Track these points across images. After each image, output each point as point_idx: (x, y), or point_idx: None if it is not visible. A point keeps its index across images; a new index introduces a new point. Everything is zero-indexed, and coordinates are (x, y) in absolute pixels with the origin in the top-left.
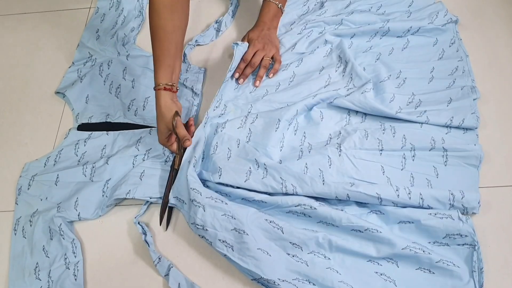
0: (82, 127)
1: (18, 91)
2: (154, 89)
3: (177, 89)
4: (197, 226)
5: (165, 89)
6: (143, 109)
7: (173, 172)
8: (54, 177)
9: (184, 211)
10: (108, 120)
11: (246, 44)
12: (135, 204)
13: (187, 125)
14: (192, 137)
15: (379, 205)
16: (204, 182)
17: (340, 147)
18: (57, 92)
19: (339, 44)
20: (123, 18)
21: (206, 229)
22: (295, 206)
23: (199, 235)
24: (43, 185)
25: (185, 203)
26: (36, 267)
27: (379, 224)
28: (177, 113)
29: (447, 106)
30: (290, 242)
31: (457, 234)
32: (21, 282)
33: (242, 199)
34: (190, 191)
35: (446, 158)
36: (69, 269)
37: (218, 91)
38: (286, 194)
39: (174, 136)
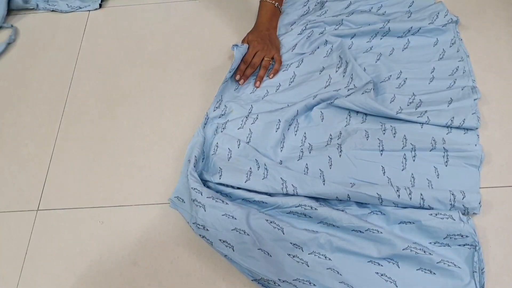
0: None
1: (18, 91)
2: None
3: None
4: (198, 226)
5: None
6: None
7: None
8: None
9: (185, 211)
10: None
11: (245, 45)
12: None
13: None
14: None
15: (379, 206)
16: (204, 182)
17: (340, 147)
18: None
19: (340, 44)
20: None
21: (207, 229)
22: (296, 207)
23: (200, 235)
24: None
25: (186, 203)
26: None
27: (379, 225)
28: None
29: (448, 106)
30: (291, 243)
31: (458, 235)
32: None
33: (243, 199)
34: (191, 190)
35: (447, 158)
36: None
37: (217, 91)
38: (287, 194)
39: None
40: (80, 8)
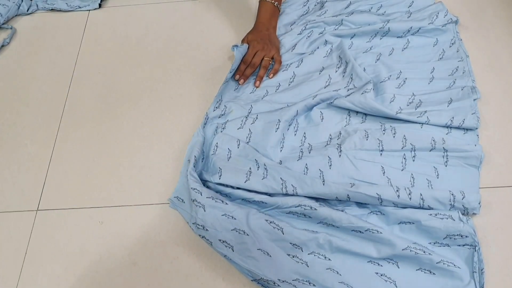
0: None
1: (18, 91)
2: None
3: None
4: (198, 226)
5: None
6: None
7: None
8: None
9: (184, 211)
10: None
11: (245, 45)
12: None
13: None
14: None
15: (379, 206)
16: (204, 182)
17: (340, 147)
18: None
19: (339, 44)
20: None
21: (207, 229)
22: (295, 207)
23: (199, 235)
24: None
25: (185, 203)
26: None
27: (379, 225)
28: None
29: (448, 106)
30: (290, 243)
31: (457, 235)
32: None
33: (242, 199)
34: (191, 191)
35: (447, 158)
36: None
37: (217, 91)
38: (286, 194)
39: None
40: (80, 7)
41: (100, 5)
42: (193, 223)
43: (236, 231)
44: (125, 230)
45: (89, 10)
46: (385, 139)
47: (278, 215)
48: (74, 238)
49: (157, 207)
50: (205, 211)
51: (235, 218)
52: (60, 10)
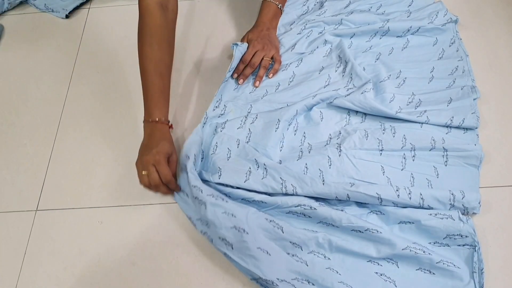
0: None
1: (17, 91)
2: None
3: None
4: (200, 223)
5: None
6: None
7: None
8: None
9: (186, 208)
10: None
11: (245, 44)
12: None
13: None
14: None
15: (379, 205)
16: (204, 182)
17: (340, 147)
18: None
19: (339, 44)
20: None
21: (208, 226)
22: (295, 207)
23: (201, 231)
24: None
25: (189, 198)
26: None
27: (379, 225)
28: None
29: (447, 106)
30: (290, 242)
31: (457, 235)
32: None
33: (242, 199)
34: (192, 188)
35: (447, 158)
36: None
37: (217, 91)
38: (286, 194)
39: None
40: (53, 12)
41: (67, 16)
42: (196, 219)
43: (236, 229)
44: (125, 230)
45: (89, 9)
46: (384, 139)
47: (278, 215)
48: (74, 238)
49: (157, 207)
50: (206, 208)
51: (235, 216)
52: (35, 7)
